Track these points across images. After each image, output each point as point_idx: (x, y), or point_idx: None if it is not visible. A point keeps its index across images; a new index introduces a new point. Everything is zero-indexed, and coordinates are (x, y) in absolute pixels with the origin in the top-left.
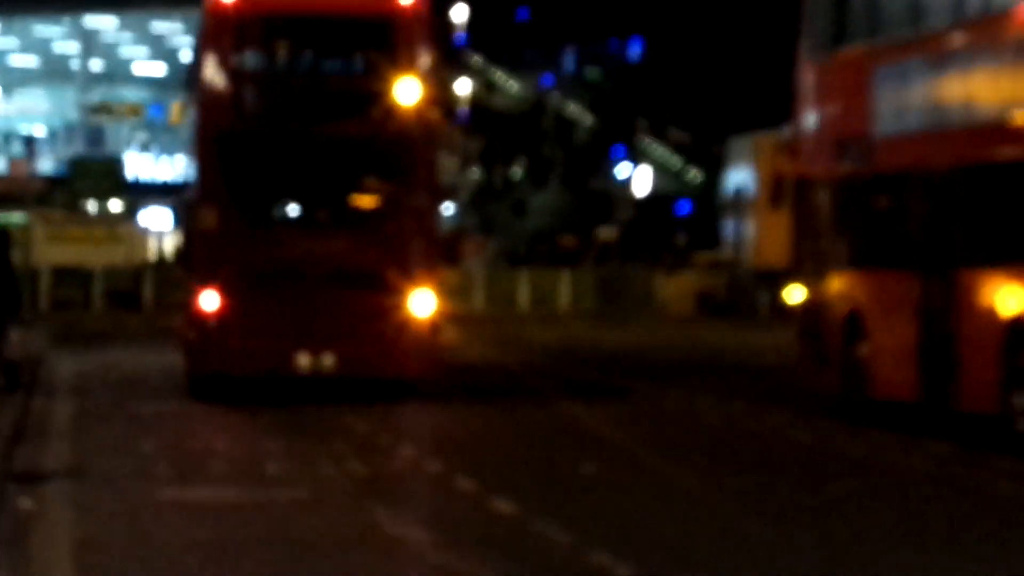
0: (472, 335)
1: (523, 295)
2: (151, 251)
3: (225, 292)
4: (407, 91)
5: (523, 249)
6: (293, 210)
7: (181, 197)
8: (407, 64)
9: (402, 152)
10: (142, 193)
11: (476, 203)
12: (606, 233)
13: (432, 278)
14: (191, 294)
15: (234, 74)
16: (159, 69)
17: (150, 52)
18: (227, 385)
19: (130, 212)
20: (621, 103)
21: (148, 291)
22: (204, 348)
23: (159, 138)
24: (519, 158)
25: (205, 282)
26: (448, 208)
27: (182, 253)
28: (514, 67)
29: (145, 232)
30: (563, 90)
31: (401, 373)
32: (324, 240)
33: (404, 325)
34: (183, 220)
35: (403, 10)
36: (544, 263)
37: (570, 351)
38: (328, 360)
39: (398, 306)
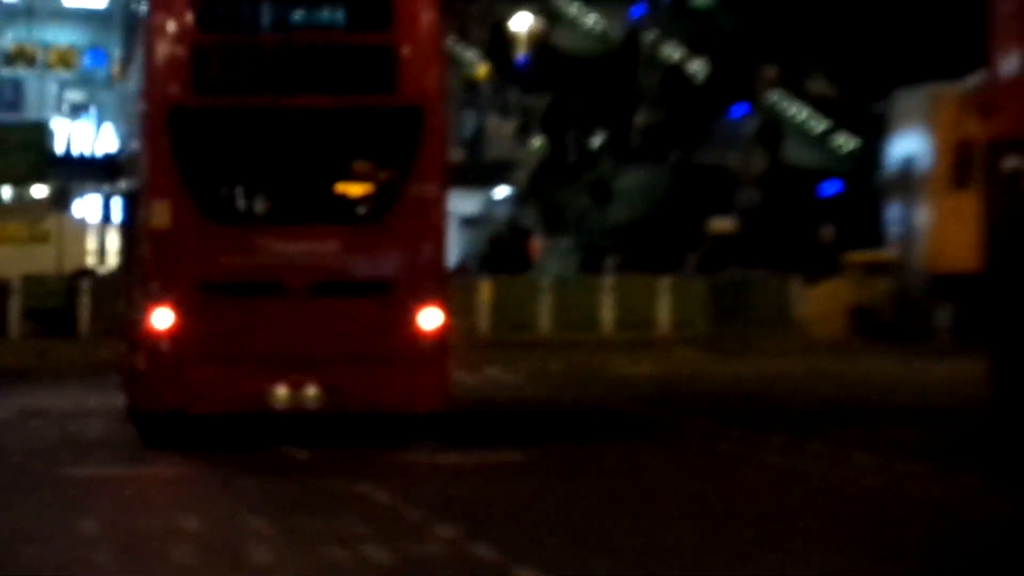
0: (534, 369)
1: (607, 312)
2: (89, 254)
3: (181, 308)
4: (409, 48)
5: (608, 248)
6: (267, 203)
7: (122, 187)
8: (409, 12)
9: (404, 127)
10: (77, 173)
11: (539, 185)
12: (721, 225)
13: (441, 287)
14: (138, 311)
15: (189, 32)
16: (99, 0)
17: None
18: (186, 428)
19: (60, 200)
20: (742, 44)
21: (85, 309)
22: (155, 380)
23: (98, 97)
24: (599, 122)
25: (156, 296)
26: (501, 192)
27: (126, 259)
28: None
29: (82, 228)
30: (661, 26)
31: (406, 407)
32: (306, 241)
33: (409, 346)
34: (127, 218)
35: None
36: (636, 267)
37: (672, 391)
38: (312, 392)
39: (401, 323)
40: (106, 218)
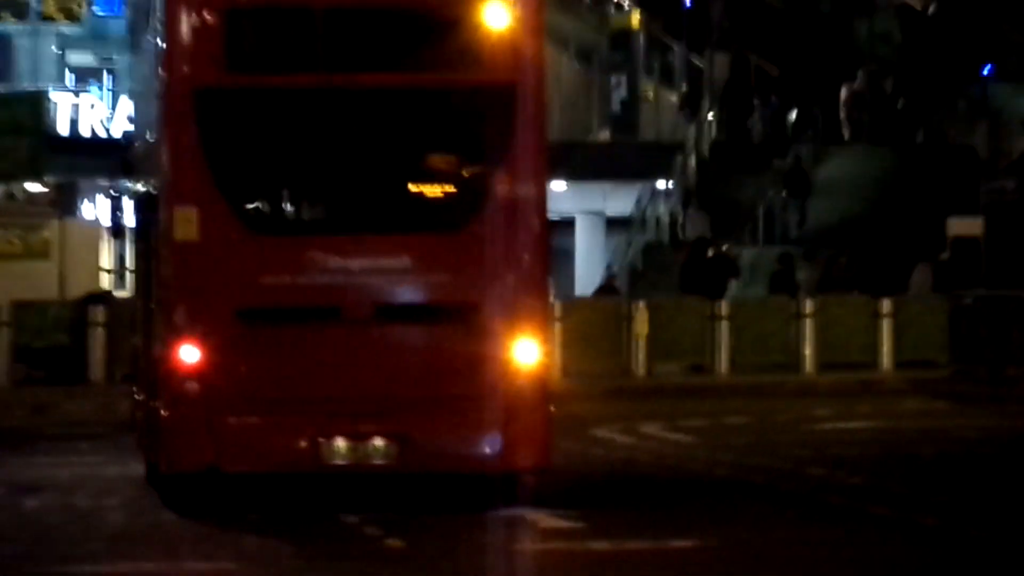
0: (708, 425)
1: (807, 347)
2: (104, 273)
3: (212, 342)
4: (496, 13)
5: (809, 258)
6: (320, 209)
7: (133, 187)
8: None
9: (490, 112)
10: (85, 164)
11: (713, 175)
12: (965, 227)
13: (540, 312)
14: (158, 347)
15: (223, 1)
16: None
17: None
18: (220, 492)
19: (64, 200)
20: None
21: (98, 347)
22: (180, 433)
23: (113, 59)
24: (797, 90)
25: (180, 327)
26: (663, 187)
27: (140, 280)
28: None
29: (93, 237)
30: None
31: (501, 464)
32: (370, 255)
33: (500, 386)
34: (140, 227)
35: None
36: (847, 284)
37: (899, 456)
38: (379, 445)
39: (489, 357)
40: (118, 225)
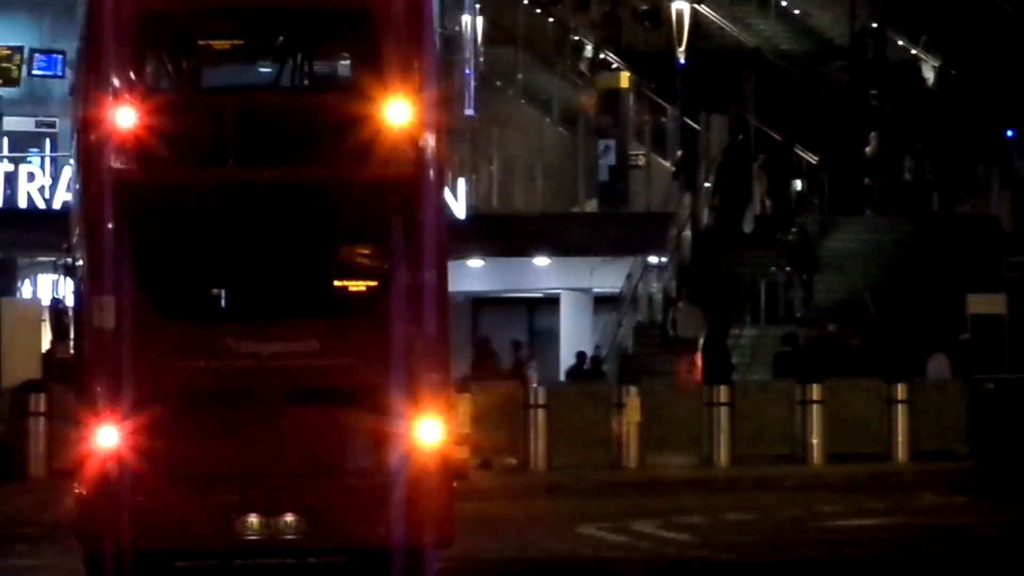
0: (706, 521)
1: (814, 435)
2: (43, 355)
3: (131, 424)
4: (397, 110)
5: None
6: (230, 296)
7: (68, 260)
8: (397, 69)
9: (391, 203)
10: (24, 238)
11: (709, 247)
12: (985, 304)
13: (442, 394)
14: (82, 429)
15: (137, 93)
16: None
17: None
18: (151, 569)
19: (2, 276)
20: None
21: (38, 439)
22: (100, 512)
23: (53, 121)
24: (800, 157)
25: (100, 410)
26: (655, 262)
27: (71, 366)
28: None
29: (34, 317)
30: (880, 10)
31: (404, 541)
32: (280, 340)
33: (404, 466)
34: (69, 315)
35: None
36: (856, 367)
37: (916, 555)
38: (290, 522)
39: (394, 438)
40: (58, 304)
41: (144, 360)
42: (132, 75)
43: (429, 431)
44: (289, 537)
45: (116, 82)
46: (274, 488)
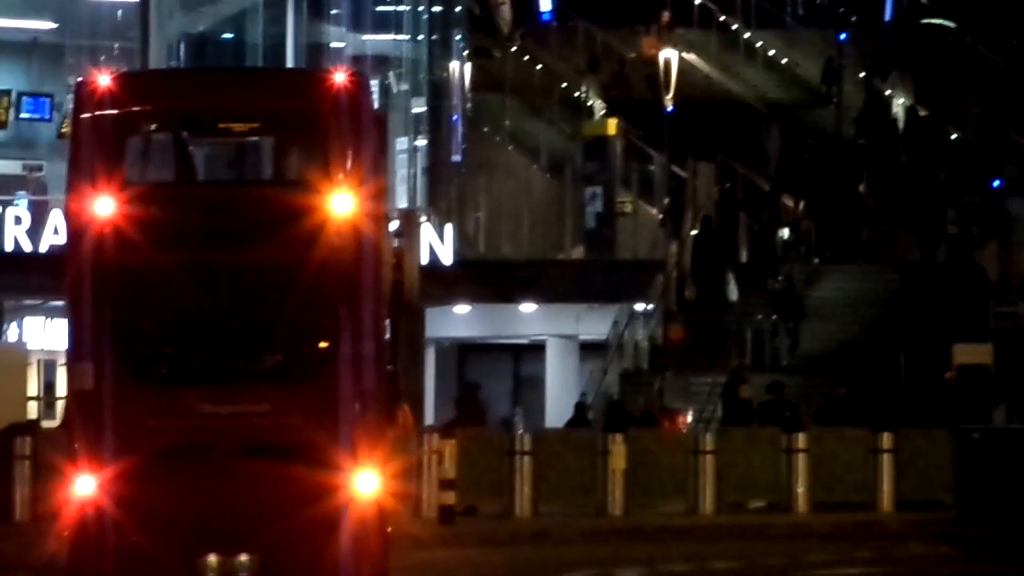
0: (692, 569)
1: (799, 484)
2: (32, 401)
3: (106, 474)
4: (341, 203)
5: (803, 387)
6: (193, 364)
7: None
8: (340, 165)
9: (335, 282)
10: (12, 281)
11: (694, 299)
12: (972, 354)
13: (378, 449)
14: (64, 478)
15: (113, 192)
16: (41, 22)
17: None
18: None
19: None
20: (1006, 85)
21: (24, 484)
22: (80, 551)
23: (43, 163)
24: (788, 206)
25: (79, 462)
26: (641, 309)
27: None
28: (770, 22)
29: (21, 362)
30: (864, 54)
31: None
32: (236, 402)
33: (344, 512)
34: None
35: (333, 98)
36: (843, 416)
37: None
38: (244, 561)
39: (336, 488)
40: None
41: (118, 418)
42: (110, 171)
43: (366, 482)
44: (244, 575)
45: (97, 177)
46: (231, 531)
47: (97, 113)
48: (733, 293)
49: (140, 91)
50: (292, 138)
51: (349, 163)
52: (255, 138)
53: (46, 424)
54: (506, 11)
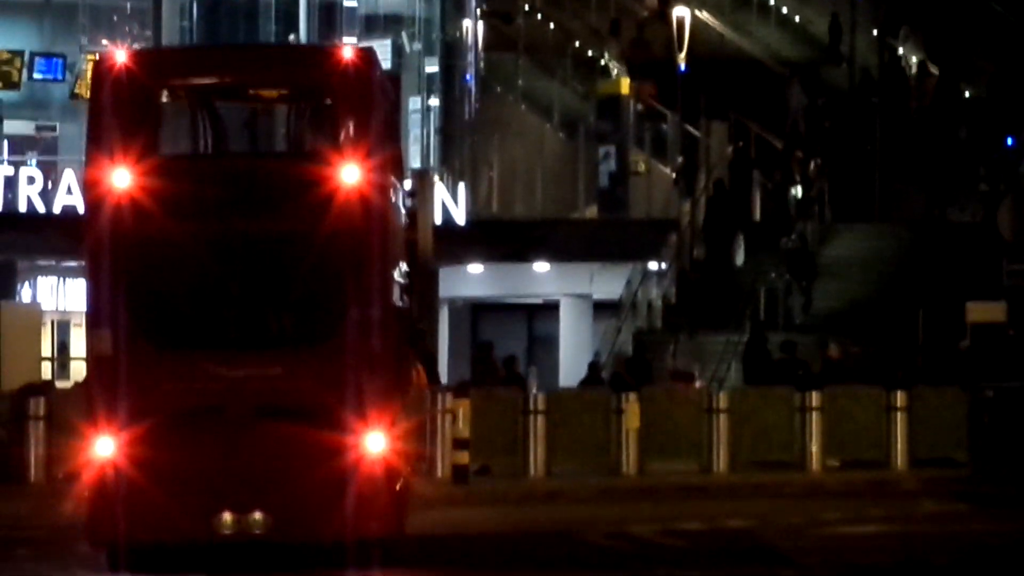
0: (704, 528)
1: (813, 443)
2: (45, 361)
3: (124, 436)
4: (349, 174)
5: (815, 345)
6: (208, 329)
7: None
8: (349, 137)
9: (343, 253)
10: (24, 241)
11: (707, 258)
12: (985, 312)
13: (387, 410)
14: (84, 440)
15: (131, 163)
16: None
17: None
18: (147, 557)
19: (1, 280)
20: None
21: (37, 444)
22: (99, 510)
23: (53, 125)
24: (799, 159)
25: (99, 424)
26: (655, 268)
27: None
28: None
29: (34, 321)
30: (878, 10)
31: (354, 533)
32: (250, 366)
33: (354, 470)
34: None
35: (341, 72)
36: (854, 375)
37: (914, 563)
38: (258, 519)
39: (345, 447)
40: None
41: (136, 382)
42: (127, 143)
43: (374, 442)
44: (257, 531)
45: (114, 149)
46: (244, 490)
47: (115, 88)
48: (740, 257)
49: (154, 66)
50: (301, 111)
51: (357, 135)
52: (267, 109)
53: (60, 384)
54: None
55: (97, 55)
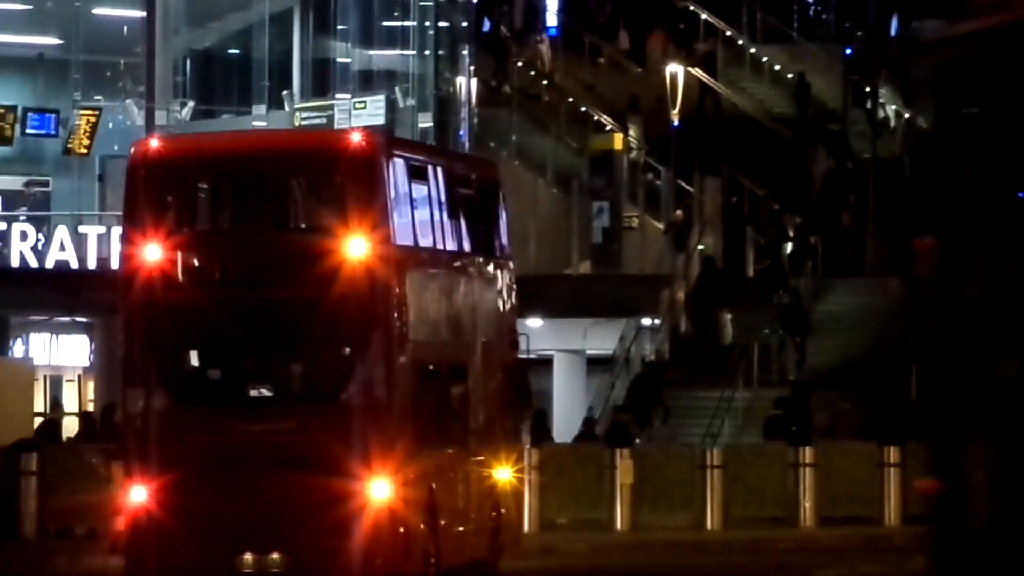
0: None
1: (807, 499)
2: (35, 415)
3: (155, 484)
4: (357, 246)
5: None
6: (229, 388)
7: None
8: (357, 215)
9: (351, 316)
10: (17, 296)
11: (700, 314)
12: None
13: (391, 460)
14: (121, 488)
15: (160, 237)
16: (45, 36)
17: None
18: None
19: None
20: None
21: (30, 499)
22: (136, 552)
23: (48, 178)
24: (795, 211)
25: (133, 473)
26: (648, 323)
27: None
28: (776, 37)
29: (27, 377)
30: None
31: (361, 571)
32: (265, 420)
33: (360, 516)
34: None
35: (351, 155)
36: (850, 431)
37: None
38: (276, 559)
39: (353, 495)
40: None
41: (165, 436)
42: (157, 221)
43: (380, 490)
44: (275, 570)
45: (146, 226)
46: (263, 533)
47: (147, 171)
48: (727, 336)
49: (182, 152)
50: (314, 188)
51: (364, 210)
52: (280, 191)
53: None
54: (544, 49)
55: (133, 147)
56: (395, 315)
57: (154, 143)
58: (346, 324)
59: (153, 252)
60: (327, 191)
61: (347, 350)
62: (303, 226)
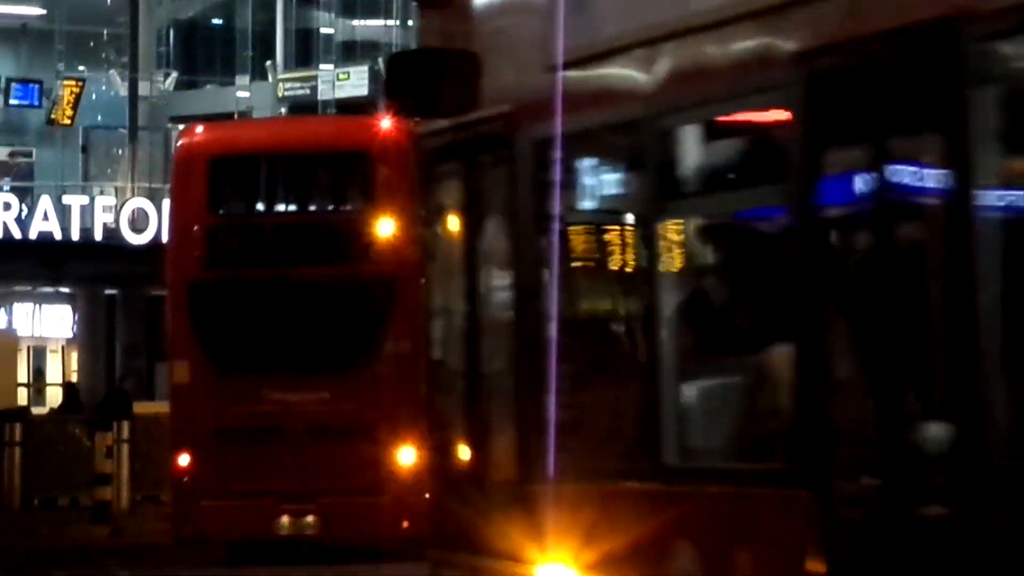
0: None
1: None
2: (22, 386)
3: (199, 450)
4: (385, 227)
5: None
6: (267, 359)
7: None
8: (386, 198)
9: (380, 294)
10: (3, 268)
11: None
12: None
13: (417, 428)
14: (167, 453)
15: (205, 220)
16: (30, 7)
17: None
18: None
19: None
20: None
21: (15, 470)
22: (180, 512)
23: (30, 151)
24: None
25: (178, 440)
26: None
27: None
28: None
29: (10, 346)
30: None
31: (389, 533)
32: (302, 390)
33: (389, 480)
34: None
35: (380, 141)
36: None
37: None
38: (311, 521)
39: (382, 459)
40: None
41: (208, 405)
42: (202, 204)
43: (407, 456)
44: (309, 533)
45: (191, 209)
46: (299, 497)
47: (192, 158)
48: None
49: (226, 139)
50: (346, 175)
51: (393, 192)
52: (315, 176)
53: (36, 411)
54: None
55: (180, 135)
56: (417, 294)
57: (199, 130)
58: (374, 300)
59: (199, 234)
60: (359, 176)
61: (376, 327)
62: (336, 208)
